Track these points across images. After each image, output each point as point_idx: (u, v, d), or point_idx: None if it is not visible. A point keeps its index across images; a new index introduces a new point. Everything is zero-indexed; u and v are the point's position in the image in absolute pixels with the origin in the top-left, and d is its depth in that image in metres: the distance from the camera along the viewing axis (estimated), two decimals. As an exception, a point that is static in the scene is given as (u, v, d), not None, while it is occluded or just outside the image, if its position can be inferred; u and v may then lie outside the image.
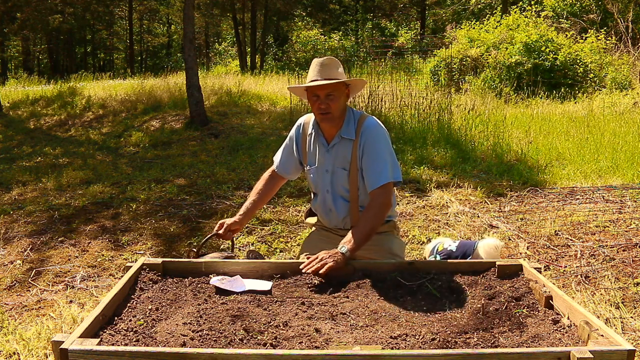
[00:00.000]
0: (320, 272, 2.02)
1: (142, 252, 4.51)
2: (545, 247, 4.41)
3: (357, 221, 2.40)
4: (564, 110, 10.93)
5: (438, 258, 3.37)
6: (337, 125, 2.40)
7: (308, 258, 2.15)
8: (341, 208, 2.44)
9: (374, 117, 2.47)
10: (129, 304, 1.82)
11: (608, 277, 3.73)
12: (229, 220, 2.45)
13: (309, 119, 2.55)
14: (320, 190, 2.49)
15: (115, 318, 1.72)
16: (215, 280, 1.99)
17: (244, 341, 1.59)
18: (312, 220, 2.74)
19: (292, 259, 3.60)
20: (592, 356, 1.39)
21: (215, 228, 2.48)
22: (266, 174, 2.67)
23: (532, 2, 17.29)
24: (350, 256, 2.12)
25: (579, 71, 13.67)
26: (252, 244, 4.61)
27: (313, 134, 2.48)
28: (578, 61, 13.80)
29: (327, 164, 2.44)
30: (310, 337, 1.62)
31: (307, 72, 2.51)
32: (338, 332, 1.68)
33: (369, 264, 2.16)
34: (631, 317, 3.20)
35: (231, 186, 6.43)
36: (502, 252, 4.33)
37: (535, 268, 2.04)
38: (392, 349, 1.56)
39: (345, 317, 1.78)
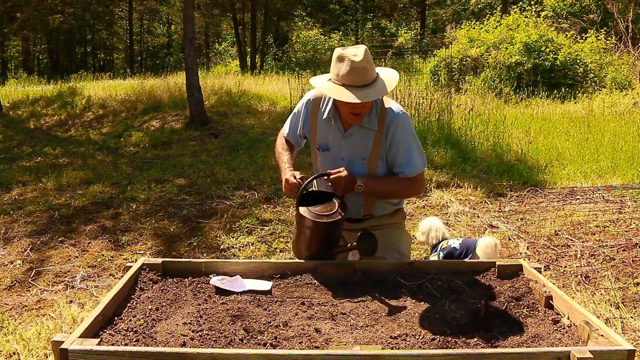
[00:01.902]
0: (331, 185, 2.18)
1: (142, 252, 4.51)
2: (545, 247, 4.41)
3: (371, 209, 2.36)
4: (564, 110, 10.93)
5: (441, 255, 3.47)
6: None
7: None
8: (356, 197, 2.32)
9: (394, 101, 2.36)
10: (129, 304, 1.82)
11: (608, 277, 3.73)
12: (293, 174, 2.27)
13: (320, 94, 2.38)
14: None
15: (115, 318, 1.72)
16: (215, 280, 1.99)
17: (244, 341, 1.59)
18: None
19: (292, 259, 3.60)
20: (592, 356, 1.39)
21: (293, 180, 2.25)
22: (281, 139, 2.54)
23: (532, 2, 17.28)
24: (359, 191, 2.21)
25: (579, 71, 13.67)
26: (252, 244, 4.61)
27: (327, 115, 2.33)
28: (578, 61, 13.80)
29: (343, 152, 2.32)
30: (310, 337, 1.62)
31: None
32: (338, 332, 1.68)
33: (369, 263, 2.16)
34: (631, 317, 3.20)
35: (231, 186, 6.43)
36: (501, 251, 4.33)
37: (535, 268, 2.04)
38: (392, 349, 1.56)
39: (345, 317, 1.78)
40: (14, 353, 2.88)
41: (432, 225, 3.69)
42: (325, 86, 2.20)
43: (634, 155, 6.94)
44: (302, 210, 2.10)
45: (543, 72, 13.40)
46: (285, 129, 2.54)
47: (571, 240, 4.49)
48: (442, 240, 3.59)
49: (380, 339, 1.62)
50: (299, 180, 2.22)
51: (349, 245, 2.16)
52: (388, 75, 2.23)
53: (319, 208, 2.12)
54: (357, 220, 2.37)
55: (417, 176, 2.31)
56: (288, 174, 2.29)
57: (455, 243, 3.48)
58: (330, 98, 2.32)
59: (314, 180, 2.35)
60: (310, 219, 2.07)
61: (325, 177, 2.22)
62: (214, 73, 20.25)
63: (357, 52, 2.14)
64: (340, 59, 2.14)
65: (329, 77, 2.22)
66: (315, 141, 2.41)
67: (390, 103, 2.32)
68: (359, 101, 2.09)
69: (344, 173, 2.18)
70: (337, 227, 2.14)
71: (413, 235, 4.13)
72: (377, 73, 2.20)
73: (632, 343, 2.82)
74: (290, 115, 2.53)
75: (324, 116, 2.34)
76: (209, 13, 29.69)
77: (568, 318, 1.71)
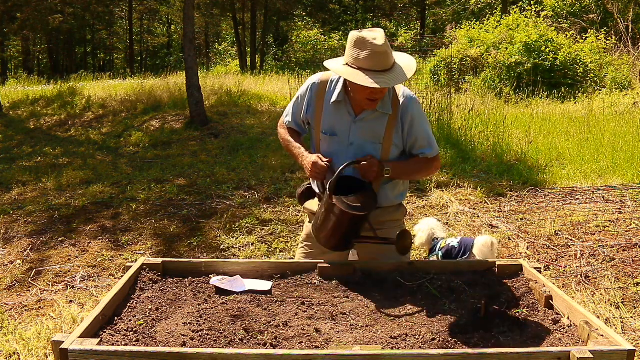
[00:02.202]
0: (362, 172, 2.14)
1: (142, 252, 4.51)
2: (545, 247, 4.41)
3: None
4: (564, 110, 10.93)
5: (440, 254, 3.49)
6: None
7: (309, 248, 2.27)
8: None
9: (405, 87, 2.32)
10: (129, 304, 1.82)
11: (608, 277, 3.73)
12: (320, 156, 2.22)
13: (325, 78, 2.32)
14: (339, 163, 2.22)
15: (115, 318, 1.72)
16: (215, 280, 1.99)
17: (244, 341, 1.59)
18: (313, 207, 2.42)
19: (292, 259, 3.60)
20: (592, 356, 1.39)
21: (321, 163, 2.19)
22: (284, 128, 2.45)
23: (532, 2, 17.28)
24: (387, 176, 2.19)
25: (579, 71, 13.67)
26: (252, 244, 4.61)
27: (336, 99, 2.25)
28: (578, 61, 13.80)
29: (353, 137, 2.25)
30: (310, 337, 1.62)
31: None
32: (338, 332, 1.68)
33: (369, 263, 2.16)
34: (631, 317, 3.20)
35: (231, 186, 6.43)
36: (499, 250, 4.33)
37: (535, 268, 2.04)
38: (392, 349, 1.56)
39: (345, 317, 1.78)
40: (14, 353, 2.88)
41: (430, 225, 3.70)
42: (343, 70, 2.12)
43: (634, 155, 6.94)
44: (337, 200, 2.01)
45: (543, 72, 13.40)
46: (286, 118, 2.44)
47: (571, 240, 4.49)
48: (440, 240, 3.61)
49: (380, 339, 1.62)
50: (327, 163, 2.18)
51: (386, 239, 2.10)
52: (406, 61, 2.17)
53: (352, 198, 2.05)
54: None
55: (437, 155, 2.34)
56: (313, 157, 2.22)
57: (454, 242, 3.51)
58: (339, 81, 2.27)
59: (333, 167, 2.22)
60: (349, 212, 1.99)
61: (357, 164, 2.14)
62: (214, 73, 20.25)
63: (376, 35, 2.07)
64: (360, 42, 2.06)
65: (344, 61, 2.14)
66: (319, 125, 2.32)
67: (401, 87, 2.28)
68: (378, 87, 2.04)
69: (374, 160, 2.15)
70: (368, 219, 2.11)
71: (413, 235, 4.12)
72: (394, 58, 2.14)
73: (632, 343, 2.82)
74: (291, 102, 2.44)
75: (333, 99, 2.26)
76: (209, 13, 29.68)
77: (568, 318, 1.71)
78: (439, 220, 3.97)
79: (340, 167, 2.05)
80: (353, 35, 2.10)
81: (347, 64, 2.12)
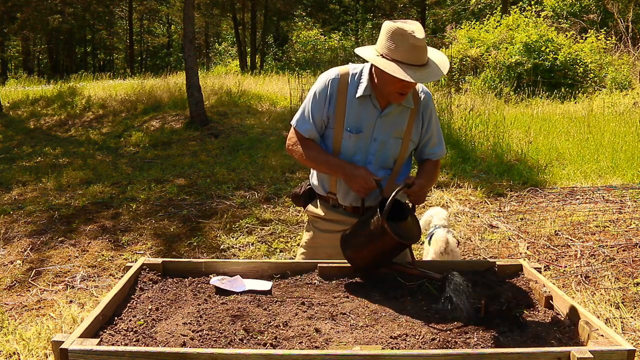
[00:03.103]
0: (412, 198, 2.08)
1: (142, 252, 4.51)
2: (545, 247, 4.41)
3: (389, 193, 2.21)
4: (564, 110, 10.94)
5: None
6: None
7: (309, 258, 2.18)
8: (385, 183, 2.20)
9: None
10: (129, 304, 1.82)
11: (608, 277, 3.73)
12: (372, 175, 2.10)
13: (345, 71, 2.20)
14: (360, 159, 2.19)
15: (115, 318, 1.72)
16: (215, 280, 1.99)
17: (244, 341, 1.59)
18: (317, 210, 2.34)
19: (292, 259, 3.60)
20: (592, 356, 1.39)
21: (373, 183, 2.09)
22: (304, 141, 2.23)
23: (532, 2, 17.28)
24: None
25: (579, 71, 13.68)
26: (252, 244, 4.61)
27: (363, 93, 2.15)
28: (578, 61, 13.81)
29: (377, 132, 2.17)
30: (310, 337, 1.62)
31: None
32: (338, 332, 1.67)
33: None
34: (631, 317, 3.20)
35: (231, 186, 6.43)
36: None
37: (535, 268, 2.03)
38: (392, 349, 1.56)
39: (345, 317, 1.78)
40: (14, 353, 2.88)
41: (430, 214, 3.75)
42: (380, 61, 2.00)
43: (634, 155, 6.94)
44: (389, 226, 1.90)
45: (543, 72, 13.41)
46: (302, 127, 2.22)
47: (571, 240, 4.49)
48: (436, 228, 3.63)
49: (380, 339, 1.62)
50: (377, 181, 2.08)
51: (412, 266, 2.01)
52: (439, 57, 2.09)
53: (401, 225, 1.97)
54: (369, 207, 2.19)
55: (441, 157, 2.35)
56: (363, 171, 2.10)
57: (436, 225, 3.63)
58: (361, 75, 2.17)
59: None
60: (399, 241, 1.91)
61: (407, 189, 2.01)
62: (214, 73, 20.25)
63: (414, 28, 1.98)
64: (399, 34, 1.96)
65: (378, 51, 2.03)
66: (342, 122, 2.18)
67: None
68: (415, 82, 1.96)
69: (422, 181, 2.07)
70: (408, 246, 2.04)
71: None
72: None
73: (632, 343, 2.82)
74: (307, 105, 2.23)
75: (358, 94, 2.15)
76: (209, 13, 29.68)
77: (568, 318, 1.71)
78: (444, 210, 3.98)
79: (394, 192, 1.92)
80: (390, 26, 2.00)
81: (382, 55, 2.01)
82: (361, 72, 2.19)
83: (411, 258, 2.05)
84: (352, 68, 2.22)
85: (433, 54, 2.09)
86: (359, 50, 2.10)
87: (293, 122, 2.26)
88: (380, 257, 2.00)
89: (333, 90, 2.18)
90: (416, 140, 2.24)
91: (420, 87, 2.24)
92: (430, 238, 3.58)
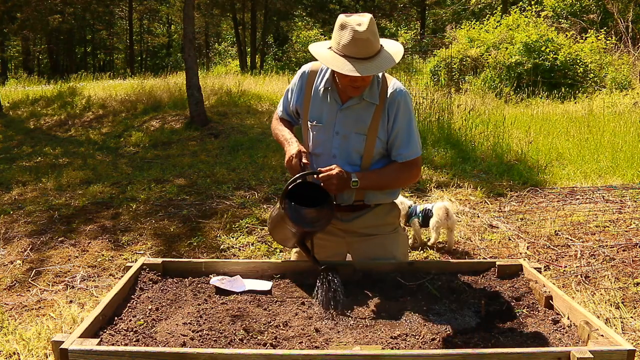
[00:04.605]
0: (323, 184, 2.02)
1: (142, 252, 4.51)
2: (545, 247, 4.41)
3: (363, 196, 2.21)
4: (564, 110, 10.94)
5: (421, 216, 4.50)
6: None
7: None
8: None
9: (397, 80, 2.24)
10: (129, 304, 1.82)
11: (608, 277, 3.73)
12: (302, 152, 2.13)
13: (316, 67, 2.25)
14: (324, 153, 2.21)
15: (115, 318, 1.72)
16: (215, 280, 1.99)
17: (244, 341, 1.59)
18: None
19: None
20: (592, 356, 1.39)
21: (296, 161, 2.10)
22: (276, 119, 2.41)
23: (532, 2, 17.29)
24: (355, 187, 2.09)
25: (579, 71, 13.68)
26: (252, 244, 4.61)
27: (324, 86, 2.20)
28: (578, 61, 13.80)
29: (338, 126, 2.17)
30: (310, 337, 1.62)
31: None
32: (338, 332, 1.68)
33: (369, 264, 2.16)
34: (631, 317, 3.20)
35: (231, 186, 6.43)
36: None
37: (535, 268, 2.03)
38: (392, 349, 1.56)
39: (345, 317, 1.78)
40: (14, 353, 2.88)
41: (400, 200, 4.37)
42: (324, 55, 2.04)
43: (634, 155, 6.94)
44: (286, 209, 1.94)
45: (543, 72, 13.41)
46: (279, 109, 2.41)
47: (571, 240, 4.49)
48: (415, 206, 4.57)
49: (380, 339, 1.62)
50: (303, 163, 2.09)
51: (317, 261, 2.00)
52: (393, 49, 2.08)
53: (310, 210, 1.97)
54: (349, 207, 2.23)
55: (415, 160, 2.20)
56: (295, 149, 2.13)
57: (428, 206, 4.49)
58: (328, 68, 2.19)
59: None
60: (293, 224, 1.94)
61: (316, 176, 2.04)
62: (214, 73, 20.25)
63: (361, 20, 1.98)
64: (343, 27, 1.99)
65: (330, 44, 2.07)
66: (307, 114, 2.25)
67: (392, 79, 2.22)
68: (358, 74, 1.96)
69: (335, 170, 2.03)
70: (314, 234, 2.04)
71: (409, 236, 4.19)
72: (381, 45, 2.05)
73: (632, 343, 2.82)
74: (285, 94, 2.39)
75: (320, 87, 2.21)
76: (209, 13, 29.68)
77: (568, 318, 1.71)
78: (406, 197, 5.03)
79: (299, 174, 1.97)
80: (339, 18, 2.03)
81: (331, 48, 2.05)
82: None
83: (311, 247, 2.05)
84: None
85: (388, 44, 2.10)
86: (311, 46, 2.13)
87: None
88: (291, 236, 2.04)
89: (302, 82, 2.27)
90: (384, 139, 2.18)
91: (392, 84, 2.19)
92: (414, 212, 4.50)
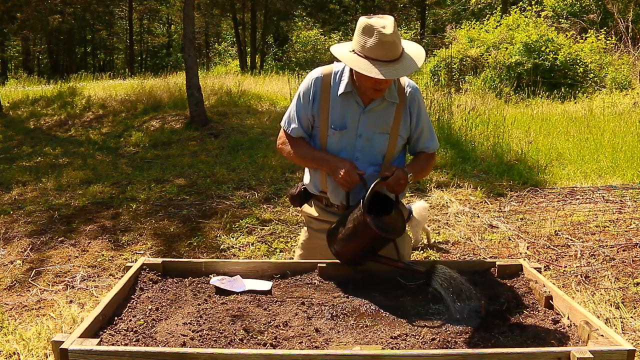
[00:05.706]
0: (393, 188, 2.05)
1: (142, 252, 4.51)
2: (545, 247, 4.41)
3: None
4: (564, 110, 10.94)
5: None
6: None
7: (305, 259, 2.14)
8: (371, 178, 2.17)
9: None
10: (129, 304, 1.82)
11: (608, 277, 3.73)
12: (355, 167, 2.11)
13: (328, 71, 2.22)
14: (346, 157, 2.18)
15: (115, 318, 1.72)
16: (215, 280, 1.99)
17: (244, 341, 1.59)
18: (312, 210, 2.36)
19: (292, 259, 3.60)
20: (592, 356, 1.39)
21: (355, 176, 2.08)
22: (293, 140, 2.28)
23: (532, 2, 17.29)
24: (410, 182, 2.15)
25: (579, 71, 13.68)
26: (252, 244, 4.61)
27: (344, 90, 2.16)
28: (578, 61, 13.80)
29: (362, 128, 2.16)
30: (310, 337, 1.62)
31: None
32: (338, 332, 1.68)
33: (369, 264, 2.16)
34: (631, 317, 3.20)
35: (231, 186, 6.43)
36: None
37: (535, 268, 2.03)
38: (392, 349, 1.56)
39: (345, 317, 1.78)
40: (14, 353, 2.88)
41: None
42: (349, 58, 2.02)
43: (634, 155, 6.94)
44: (370, 220, 1.89)
45: (543, 72, 13.41)
46: (290, 127, 2.26)
47: (571, 240, 4.49)
48: None
49: (380, 339, 1.62)
50: (360, 175, 2.07)
51: (397, 260, 2.00)
52: (414, 51, 2.07)
53: (384, 219, 1.96)
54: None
55: (435, 152, 2.33)
56: (345, 163, 2.09)
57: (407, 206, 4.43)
58: (344, 72, 2.19)
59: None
60: (381, 234, 1.89)
61: (384, 180, 2.02)
62: (214, 73, 20.25)
63: (385, 23, 1.97)
64: (368, 30, 1.97)
65: (351, 47, 2.05)
66: (327, 120, 2.19)
67: (406, 77, 2.23)
68: (387, 78, 1.96)
69: (400, 172, 2.04)
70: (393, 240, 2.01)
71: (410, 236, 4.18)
72: (402, 47, 2.05)
73: (632, 343, 2.82)
74: (292, 105, 2.28)
75: (340, 91, 2.17)
76: (209, 13, 29.69)
77: (568, 318, 1.71)
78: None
79: (372, 185, 1.94)
80: (362, 21, 2.01)
81: (353, 51, 2.03)
82: (343, 69, 2.20)
83: (396, 251, 2.03)
84: (335, 66, 2.23)
85: (409, 46, 2.10)
86: (334, 48, 2.12)
87: (282, 123, 2.31)
88: (366, 251, 2.00)
89: (317, 88, 2.21)
90: (405, 136, 2.22)
91: (406, 81, 2.22)
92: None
